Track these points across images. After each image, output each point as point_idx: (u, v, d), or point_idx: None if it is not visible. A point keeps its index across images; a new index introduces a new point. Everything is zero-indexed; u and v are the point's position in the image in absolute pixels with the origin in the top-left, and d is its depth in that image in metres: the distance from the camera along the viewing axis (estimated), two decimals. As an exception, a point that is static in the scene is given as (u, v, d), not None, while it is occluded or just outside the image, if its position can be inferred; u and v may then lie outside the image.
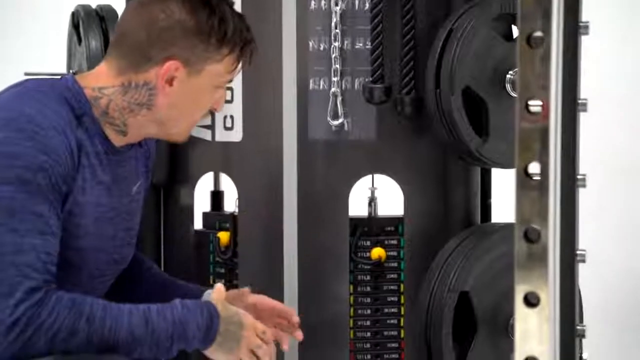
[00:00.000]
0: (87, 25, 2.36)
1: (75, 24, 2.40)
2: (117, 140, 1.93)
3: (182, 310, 1.86)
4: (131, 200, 2.00)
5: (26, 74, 2.35)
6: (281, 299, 2.26)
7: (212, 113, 2.10)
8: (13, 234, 1.78)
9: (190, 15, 1.87)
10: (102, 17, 2.37)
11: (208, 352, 1.91)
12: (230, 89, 2.27)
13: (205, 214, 2.47)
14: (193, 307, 1.87)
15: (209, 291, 2.06)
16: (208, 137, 2.32)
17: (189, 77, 1.90)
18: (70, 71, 2.41)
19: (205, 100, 1.94)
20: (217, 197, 2.52)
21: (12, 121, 1.81)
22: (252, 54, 1.95)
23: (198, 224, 2.45)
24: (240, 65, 1.95)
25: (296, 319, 2.10)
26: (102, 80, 1.91)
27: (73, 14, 2.43)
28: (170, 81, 1.89)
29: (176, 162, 2.37)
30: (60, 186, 1.82)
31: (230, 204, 2.44)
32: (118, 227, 1.96)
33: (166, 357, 1.87)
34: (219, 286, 1.94)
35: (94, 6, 2.41)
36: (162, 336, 1.84)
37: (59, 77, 1.93)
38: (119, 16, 2.00)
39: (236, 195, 2.34)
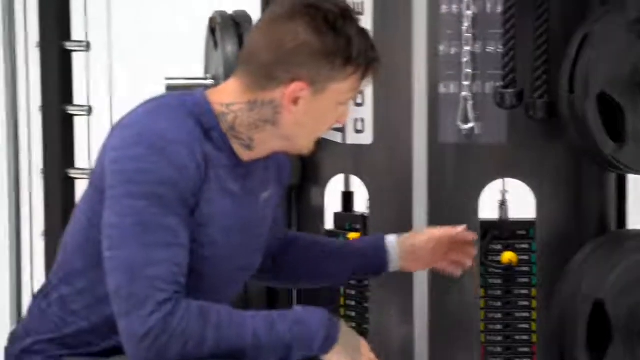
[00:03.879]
0: (224, 30, 2.39)
1: (212, 29, 2.44)
2: (244, 155, 1.96)
3: (303, 314, 1.89)
4: (260, 209, 2.02)
5: (167, 79, 2.41)
6: (410, 301, 2.26)
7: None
8: (145, 247, 1.83)
9: (316, 36, 1.88)
10: (238, 23, 2.40)
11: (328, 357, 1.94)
12: (361, 92, 2.27)
13: (336, 214, 2.49)
14: (314, 311, 1.90)
15: (390, 237, 2.11)
16: (339, 140, 2.33)
17: (314, 96, 1.91)
18: (207, 75, 2.45)
19: (329, 117, 1.95)
20: (347, 197, 2.53)
21: (144, 137, 1.86)
22: (377, 72, 1.94)
23: (329, 224, 2.46)
24: (364, 83, 1.94)
25: (471, 235, 2.12)
26: (230, 97, 1.94)
27: (210, 20, 2.47)
28: (295, 100, 1.91)
29: (308, 164, 2.38)
30: (188, 199, 1.87)
31: (361, 205, 2.45)
32: (246, 235, 2.00)
33: None
34: None
35: (229, 12, 2.44)
36: (285, 340, 1.87)
37: (190, 93, 1.96)
38: (249, 34, 2.01)
39: (367, 196, 2.35)
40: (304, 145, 1.98)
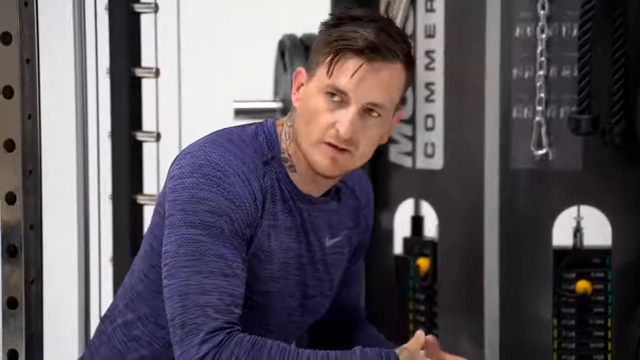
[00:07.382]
0: (293, 54, 2.39)
1: (281, 53, 2.43)
2: (307, 189, 1.93)
3: (363, 355, 1.84)
4: (327, 253, 1.99)
5: (235, 102, 2.41)
6: (481, 331, 2.22)
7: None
8: (198, 275, 1.82)
9: (323, 29, 1.89)
10: (307, 46, 2.39)
11: None
12: (432, 116, 2.24)
13: (405, 239, 2.46)
14: (373, 355, 1.85)
15: None
16: (409, 164, 2.30)
17: (308, 83, 1.90)
18: (276, 98, 2.45)
19: (315, 106, 1.87)
20: (417, 222, 2.50)
21: (200, 167, 1.86)
22: (349, 61, 1.84)
23: (398, 249, 2.43)
24: (339, 70, 1.84)
25: None
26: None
27: (279, 43, 2.46)
28: (298, 88, 1.91)
29: (377, 188, 2.35)
30: (243, 231, 1.86)
31: (431, 229, 2.41)
32: (308, 274, 1.97)
33: None
34: (419, 334, 1.90)
35: (299, 35, 2.44)
36: None
37: (260, 123, 1.96)
38: None
39: (436, 222, 2.32)
40: (306, 148, 1.88)
